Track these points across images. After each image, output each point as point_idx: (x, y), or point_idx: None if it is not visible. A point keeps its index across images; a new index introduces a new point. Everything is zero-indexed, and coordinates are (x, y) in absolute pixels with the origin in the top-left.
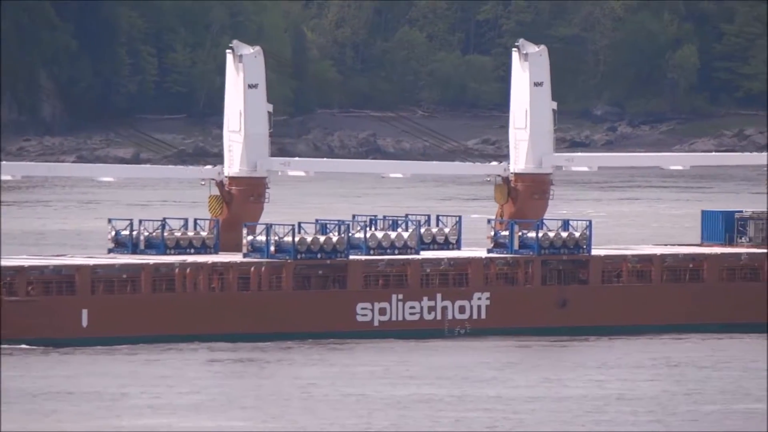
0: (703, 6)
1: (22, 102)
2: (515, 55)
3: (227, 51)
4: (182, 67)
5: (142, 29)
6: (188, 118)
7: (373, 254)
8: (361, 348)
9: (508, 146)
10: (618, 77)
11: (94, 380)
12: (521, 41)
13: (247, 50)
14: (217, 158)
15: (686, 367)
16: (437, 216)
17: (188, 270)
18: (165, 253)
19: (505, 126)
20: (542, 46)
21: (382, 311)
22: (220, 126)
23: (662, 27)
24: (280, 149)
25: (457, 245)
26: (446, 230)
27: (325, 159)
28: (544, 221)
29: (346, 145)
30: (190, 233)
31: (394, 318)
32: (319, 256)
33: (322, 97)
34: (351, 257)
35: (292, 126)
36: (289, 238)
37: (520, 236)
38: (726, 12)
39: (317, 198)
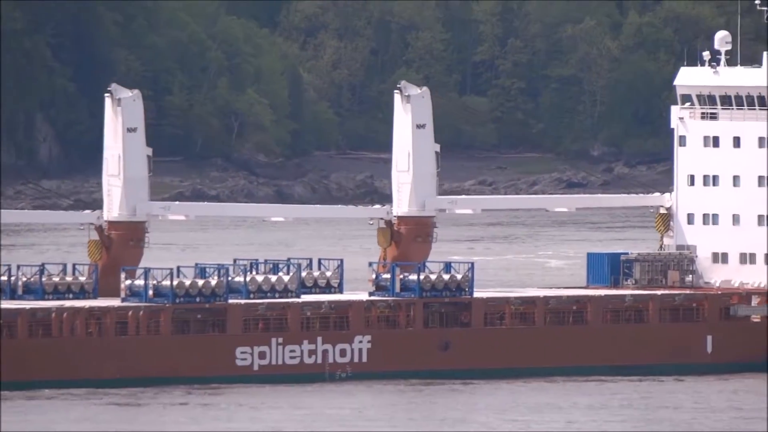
0: (699, 45)
1: (20, 146)
2: (397, 97)
3: (105, 94)
4: (179, 109)
5: (139, 72)
6: (186, 161)
7: (253, 298)
8: (236, 392)
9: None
10: (615, 117)
11: None
12: (403, 83)
13: (125, 93)
14: (215, 201)
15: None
16: (319, 259)
17: (65, 315)
18: (43, 299)
19: (502, 167)
20: (424, 88)
21: (262, 355)
22: (218, 168)
23: (658, 67)
24: (277, 191)
25: (339, 289)
26: (328, 274)
27: (205, 203)
28: (427, 264)
29: (344, 187)
30: (69, 278)
31: (274, 362)
32: (197, 300)
33: (318, 139)
34: (230, 301)
35: (289, 168)
36: (167, 282)
37: (401, 279)
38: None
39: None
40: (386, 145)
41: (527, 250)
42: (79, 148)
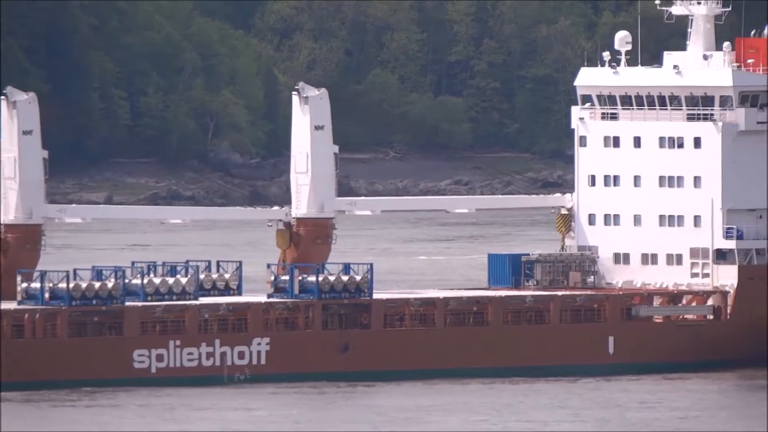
0: (674, 44)
1: None
2: (295, 98)
3: (1, 97)
4: (155, 110)
5: (113, 73)
6: (161, 162)
7: (151, 300)
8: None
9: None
10: None
11: None
12: (301, 84)
13: (20, 96)
14: (191, 202)
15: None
16: (218, 261)
17: None
18: None
19: (478, 167)
20: (323, 90)
21: (160, 358)
22: (193, 169)
23: None
24: (253, 192)
25: (238, 291)
26: (227, 276)
27: (102, 206)
28: (326, 265)
29: None
30: None
31: (171, 365)
32: (94, 302)
33: None
34: (127, 303)
35: (266, 168)
36: (63, 285)
37: (300, 280)
38: None
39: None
40: (362, 145)
41: (459, 250)
42: (54, 149)
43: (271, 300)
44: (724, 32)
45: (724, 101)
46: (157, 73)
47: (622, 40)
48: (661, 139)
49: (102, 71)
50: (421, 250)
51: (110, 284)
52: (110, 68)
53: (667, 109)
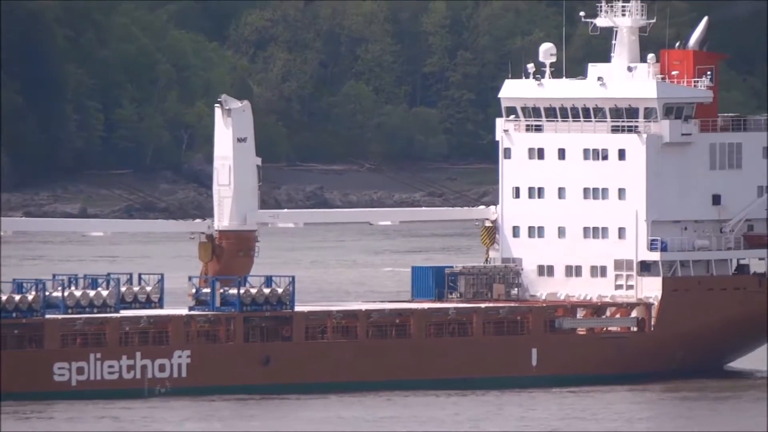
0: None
1: None
2: (218, 110)
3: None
4: (129, 122)
5: (88, 85)
6: (135, 173)
7: (71, 313)
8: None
9: (452, 196)
10: None
11: None
12: (223, 96)
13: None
14: (165, 213)
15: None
16: (139, 274)
17: None
18: None
19: (452, 178)
20: (245, 102)
21: (80, 371)
22: (168, 180)
23: None
24: None
25: (160, 304)
26: (148, 289)
27: (21, 218)
28: (248, 278)
29: (293, 198)
30: None
31: (92, 377)
32: (14, 315)
33: (268, 151)
34: (48, 316)
35: None
36: None
37: (221, 293)
38: None
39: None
40: (336, 157)
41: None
42: (29, 161)
43: (192, 313)
44: (649, 44)
45: (649, 113)
46: (132, 85)
47: (546, 52)
48: (586, 151)
49: (76, 83)
50: (387, 261)
51: (30, 297)
52: (85, 80)
53: (591, 121)
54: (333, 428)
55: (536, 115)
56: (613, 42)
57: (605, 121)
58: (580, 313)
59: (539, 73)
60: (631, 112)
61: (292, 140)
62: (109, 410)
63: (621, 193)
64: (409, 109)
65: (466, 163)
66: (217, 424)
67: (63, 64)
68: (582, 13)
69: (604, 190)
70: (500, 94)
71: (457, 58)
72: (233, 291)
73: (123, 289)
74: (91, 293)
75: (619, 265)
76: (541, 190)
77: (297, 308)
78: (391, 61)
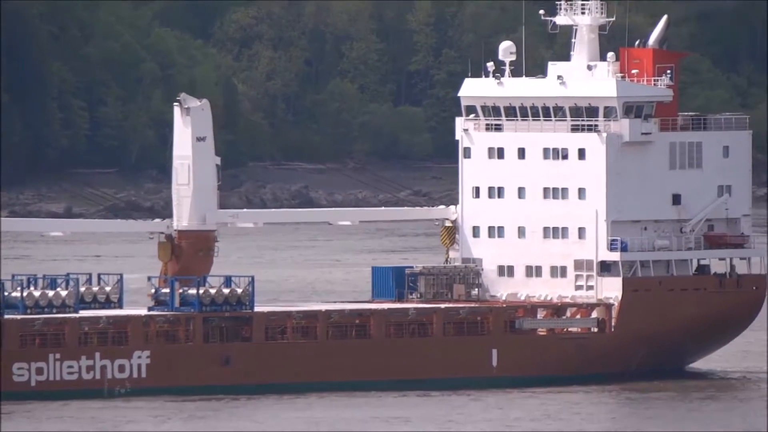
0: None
1: None
2: (177, 109)
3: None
4: (114, 120)
5: (72, 83)
6: (120, 172)
7: (30, 313)
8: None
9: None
10: None
11: None
12: (182, 95)
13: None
14: (150, 212)
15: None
16: (98, 274)
17: None
18: None
19: (437, 177)
20: (204, 101)
21: (39, 371)
22: (153, 179)
23: None
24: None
25: (119, 304)
26: (107, 289)
27: None
28: (207, 278)
29: (279, 197)
30: None
31: (52, 378)
32: None
33: (253, 150)
34: (6, 316)
35: (225, 179)
36: None
37: (181, 293)
38: None
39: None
40: (321, 155)
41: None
42: (13, 159)
43: (152, 313)
44: (609, 42)
45: (609, 112)
46: (117, 83)
47: (506, 50)
48: (546, 150)
49: (61, 81)
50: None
51: None
52: (69, 78)
53: (551, 120)
54: (294, 429)
55: (496, 114)
56: (573, 40)
57: (565, 120)
58: (541, 314)
59: (499, 72)
60: (591, 111)
61: (277, 139)
62: (66, 411)
63: (581, 192)
64: (394, 108)
65: (451, 162)
66: (180, 423)
67: (47, 61)
68: (542, 11)
69: (564, 190)
70: (460, 93)
71: (441, 57)
72: (192, 291)
73: (82, 289)
74: (50, 293)
75: (579, 265)
76: (501, 190)
77: (257, 308)
78: (376, 59)
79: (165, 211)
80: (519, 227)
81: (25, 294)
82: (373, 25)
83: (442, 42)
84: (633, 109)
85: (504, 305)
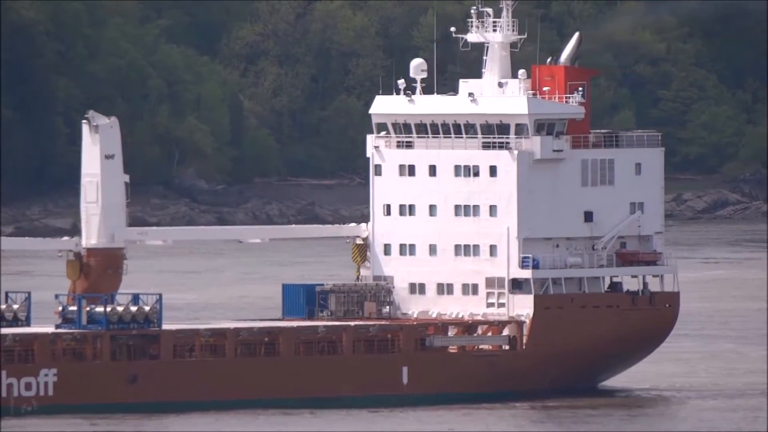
0: (640, 70)
1: None
2: (85, 127)
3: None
4: (120, 137)
5: (78, 99)
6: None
7: None
8: None
9: None
10: None
11: None
12: (90, 113)
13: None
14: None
15: None
16: (6, 292)
17: None
18: None
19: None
20: (113, 118)
21: None
22: (159, 195)
23: (599, 92)
24: (219, 218)
25: (27, 322)
26: (15, 306)
27: None
28: (115, 296)
29: (285, 213)
30: None
31: None
32: None
33: (260, 166)
34: None
35: (231, 195)
36: None
37: (88, 311)
38: (662, 77)
39: None
40: (327, 171)
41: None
42: (19, 175)
43: (59, 331)
44: (520, 60)
45: (520, 129)
46: (123, 100)
47: (417, 67)
48: (457, 167)
49: (67, 96)
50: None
51: None
52: (75, 94)
53: (462, 137)
54: None
55: (407, 131)
56: (485, 58)
57: (476, 138)
58: (452, 331)
59: (410, 89)
60: (502, 128)
61: (283, 155)
62: None
63: (492, 210)
64: None
65: None
66: None
67: (53, 77)
68: (453, 29)
69: (476, 207)
70: (371, 110)
71: (446, 73)
72: (100, 309)
73: None
74: None
75: (490, 282)
76: (412, 207)
77: (165, 326)
78: (382, 75)
79: (172, 225)
80: (430, 245)
81: None
82: (379, 41)
83: (446, 58)
84: (544, 127)
85: (414, 323)
